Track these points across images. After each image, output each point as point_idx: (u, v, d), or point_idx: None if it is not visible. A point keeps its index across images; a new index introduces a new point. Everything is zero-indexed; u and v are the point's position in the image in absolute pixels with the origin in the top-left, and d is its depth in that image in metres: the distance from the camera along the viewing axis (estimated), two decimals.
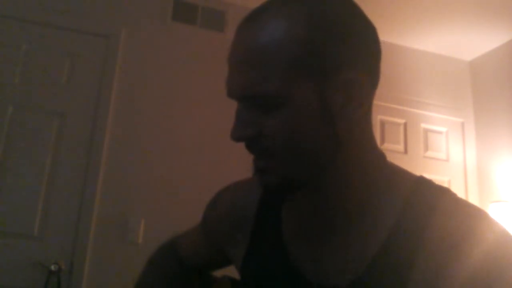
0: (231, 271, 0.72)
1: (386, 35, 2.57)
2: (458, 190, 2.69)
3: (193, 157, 2.30)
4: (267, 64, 0.50)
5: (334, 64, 0.50)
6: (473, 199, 2.72)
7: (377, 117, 2.66)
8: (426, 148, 2.79)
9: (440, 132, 2.85)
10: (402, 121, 2.77)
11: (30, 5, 2.21)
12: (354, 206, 0.56)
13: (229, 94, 0.55)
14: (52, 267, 1.94)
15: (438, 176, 2.67)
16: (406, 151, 2.74)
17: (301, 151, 0.52)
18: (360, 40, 0.53)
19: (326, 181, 0.55)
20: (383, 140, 2.69)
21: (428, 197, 0.54)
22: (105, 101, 2.21)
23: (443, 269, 0.49)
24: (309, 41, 0.50)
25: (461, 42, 2.79)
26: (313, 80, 0.50)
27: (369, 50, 0.54)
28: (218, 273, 0.80)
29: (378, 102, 0.55)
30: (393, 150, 2.68)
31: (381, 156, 0.59)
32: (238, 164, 2.31)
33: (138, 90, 2.31)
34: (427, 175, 0.59)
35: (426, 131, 2.82)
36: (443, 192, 0.55)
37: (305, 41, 0.50)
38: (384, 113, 2.68)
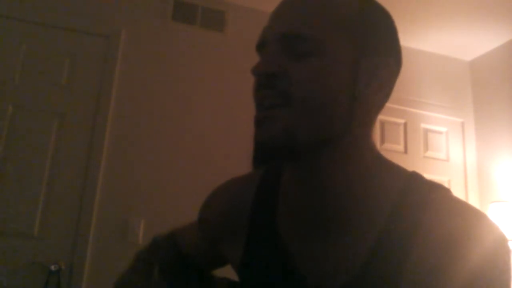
0: (229, 272, 0.72)
1: None
2: (458, 190, 2.70)
3: (193, 157, 2.30)
4: (319, 12, 0.52)
5: (373, 45, 0.54)
6: (473, 199, 2.72)
7: (377, 117, 2.66)
8: (426, 148, 2.79)
9: (440, 132, 2.85)
10: (402, 121, 2.77)
11: (30, 5, 2.21)
12: (350, 203, 0.55)
13: (266, 34, 0.55)
14: (52, 267, 1.94)
15: (438, 176, 2.67)
16: (406, 151, 2.74)
17: (318, 105, 0.51)
18: (394, 33, 0.58)
19: (325, 169, 0.55)
20: (383, 140, 2.69)
21: (420, 194, 0.54)
22: (105, 101, 2.21)
23: (439, 269, 0.49)
24: (359, 14, 0.54)
25: (461, 42, 2.79)
26: (351, 48, 0.53)
27: (398, 44, 0.58)
28: (218, 274, 0.79)
29: None
30: (393, 150, 2.68)
31: (377, 152, 0.59)
32: (239, 164, 2.31)
33: (138, 90, 2.30)
34: (427, 175, 0.59)
35: (426, 131, 2.82)
36: (435, 188, 0.55)
37: (356, 12, 0.54)
38: (384, 113, 2.66)
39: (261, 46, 0.56)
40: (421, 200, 0.53)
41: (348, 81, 0.52)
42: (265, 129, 0.52)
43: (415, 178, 0.57)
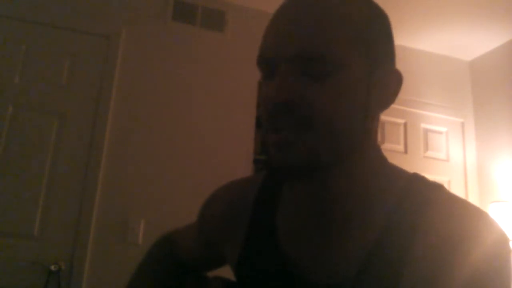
0: (228, 272, 0.72)
1: None
2: (458, 190, 2.70)
3: (193, 157, 2.30)
4: (334, 27, 0.49)
5: (383, 55, 0.54)
6: (473, 199, 2.72)
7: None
8: (426, 148, 2.79)
9: (440, 132, 2.85)
10: (402, 121, 2.77)
11: (30, 5, 2.21)
12: (352, 203, 0.56)
13: (274, 52, 0.51)
14: (52, 267, 1.94)
15: (438, 176, 2.67)
16: (406, 151, 2.74)
17: (340, 126, 0.50)
18: (392, 37, 0.58)
19: (331, 178, 0.55)
20: (383, 140, 2.69)
21: (421, 194, 0.54)
22: (105, 101, 2.21)
23: (440, 267, 0.49)
24: (368, 22, 0.52)
25: (461, 42, 2.79)
26: (366, 61, 0.52)
27: (394, 48, 0.58)
28: (213, 274, 0.79)
29: None
30: (393, 150, 2.67)
31: (382, 156, 0.60)
32: (238, 164, 2.31)
33: (138, 90, 2.30)
34: (427, 175, 0.59)
35: (426, 131, 2.82)
36: (436, 188, 0.55)
37: (366, 21, 0.52)
38: (384, 113, 2.64)
39: (266, 63, 0.53)
40: (422, 200, 0.53)
41: (364, 96, 0.52)
42: (287, 154, 0.51)
43: (416, 179, 0.57)
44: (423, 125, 2.82)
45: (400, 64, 0.59)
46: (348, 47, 0.50)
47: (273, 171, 0.53)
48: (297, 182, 0.60)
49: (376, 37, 0.53)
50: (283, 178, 0.63)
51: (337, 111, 0.50)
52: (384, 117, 2.82)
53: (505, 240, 0.50)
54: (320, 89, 0.49)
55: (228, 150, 2.32)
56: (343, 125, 0.51)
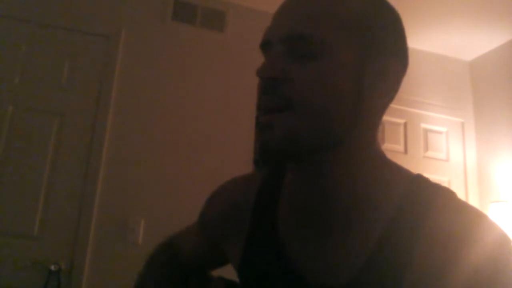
0: (230, 271, 0.72)
1: None
2: (458, 190, 2.69)
3: (193, 157, 2.30)
4: (324, 13, 0.51)
5: (379, 46, 0.53)
6: (473, 199, 2.72)
7: (382, 119, 2.66)
8: (426, 148, 2.79)
9: (440, 132, 2.85)
10: (402, 121, 2.77)
11: (30, 5, 2.21)
12: (353, 202, 0.55)
13: (270, 34, 0.54)
14: (52, 267, 1.94)
15: (438, 176, 2.67)
16: (406, 151, 2.74)
17: (321, 109, 0.51)
18: (401, 33, 0.56)
19: (328, 171, 0.55)
20: (383, 140, 2.69)
21: (425, 195, 0.54)
22: (105, 101, 2.21)
23: (441, 268, 0.49)
24: (365, 14, 0.53)
25: (461, 42, 2.79)
26: (357, 50, 0.52)
27: (405, 44, 0.57)
28: (216, 273, 0.79)
29: None
30: (393, 150, 2.67)
31: (382, 154, 0.59)
32: (239, 164, 2.31)
33: (138, 90, 2.30)
34: (427, 175, 0.58)
35: (426, 131, 2.82)
36: (440, 190, 0.55)
37: (362, 12, 0.53)
38: (384, 113, 2.67)
39: (265, 46, 0.55)
40: (425, 202, 0.53)
41: (353, 83, 0.52)
42: (269, 133, 0.52)
43: (420, 181, 0.57)
44: (423, 125, 2.82)
45: None
46: (338, 32, 0.51)
47: (259, 155, 0.54)
48: (288, 165, 0.60)
49: (370, 28, 0.53)
50: (268, 161, 0.64)
51: (318, 91, 0.50)
52: (384, 117, 2.81)
53: (506, 240, 0.50)
54: (303, 68, 0.51)
55: (228, 150, 2.32)
56: (326, 108, 0.51)
